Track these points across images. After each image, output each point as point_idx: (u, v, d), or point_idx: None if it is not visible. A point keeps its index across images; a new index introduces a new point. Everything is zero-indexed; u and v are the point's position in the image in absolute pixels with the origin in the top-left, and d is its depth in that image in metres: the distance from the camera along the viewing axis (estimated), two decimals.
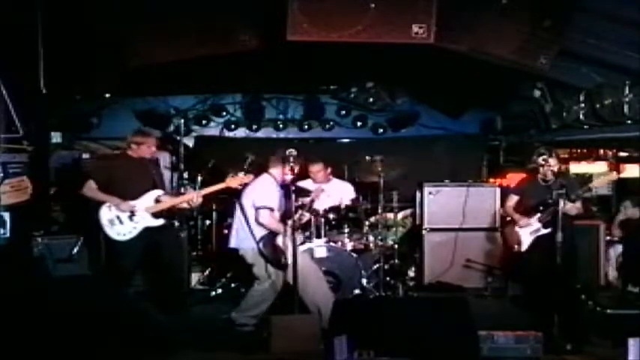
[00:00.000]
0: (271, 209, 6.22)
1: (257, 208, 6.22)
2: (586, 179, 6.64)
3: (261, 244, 6.20)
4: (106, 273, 6.85)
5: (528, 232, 6.55)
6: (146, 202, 6.52)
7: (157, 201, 6.57)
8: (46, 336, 4.95)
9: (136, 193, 6.50)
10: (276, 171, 6.35)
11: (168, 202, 6.60)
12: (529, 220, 6.52)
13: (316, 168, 7.74)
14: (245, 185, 6.40)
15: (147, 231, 6.49)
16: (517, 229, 6.65)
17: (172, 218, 7.06)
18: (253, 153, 7.84)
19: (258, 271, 6.30)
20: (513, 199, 6.86)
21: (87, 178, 6.65)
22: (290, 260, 6.13)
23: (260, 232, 6.21)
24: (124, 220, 6.45)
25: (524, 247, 6.56)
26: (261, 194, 6.26)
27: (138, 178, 6.57)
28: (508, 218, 7.06)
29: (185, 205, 6.92)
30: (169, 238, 6.81)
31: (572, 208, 6.27)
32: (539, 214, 6.44)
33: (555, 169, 6.51)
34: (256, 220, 6.22)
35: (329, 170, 7.85)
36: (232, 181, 6.46)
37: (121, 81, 8.09)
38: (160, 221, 6.55)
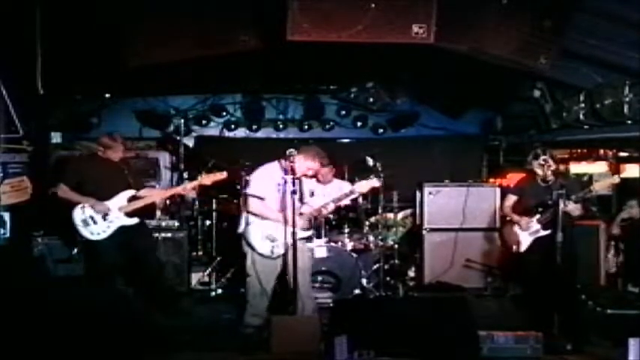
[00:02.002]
0: (261, 198, 6.18)
1: (245, 195, 6.26)
2: (587, 182, 6.61)
3: (246, 231, 6.21)
4: (87, 273, 6.87)
5: (527, 232, 6.53)
6: (119, 201, 6.57)
7: (130, 200, 6.61)
8: (46, 336, 4.95)
9: (109, 193, 6.55)
10: (289, 162, 6.23)
11: (140, 201, 6.65)
12: (530, 220, 6.50)
13: (327, 168, 7.79)
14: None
15: (122, 230, 6.54)
16: (516, 229, 6.64)
17: (148, 218, 7.20)
18: (250, 158, 7.89)
19: (247, 259, 6.28)
20: (511, 200, 6.83)
21: (58, 180, 6.67)
22: (282, 250, 6.12)
23: (249, 220, 6.21)
24: (98, 220, 6.50)
25: (524, 247, 6.53)
26: (254, 182, 6.27)
27: (110, 179, 6.62)
28: (508, 218, 7.05)
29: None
30: (146, 237, 6.88)
31: (574, 209, 6.24)
32: (538, 215, 6.42)
33: (553, 168, 6.47)
34: (244, 207, 6.26)
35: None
36: (205, 179, 6.48)
37: (121, 81, 8.11)
38: (135, 220, 6.61)
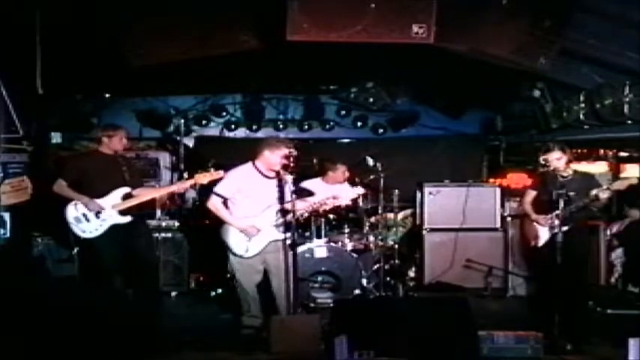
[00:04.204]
0: (223, 197, 6.18)
1: (210, 192, 6.24)
2: (606, 180, 6.56)
3: (222, 230, 6.22)
4: (83, 272, 6.85)
5: (546, 228, 6.49)
6: (113, 199, 6.49)
7: (125, 198, 6.54)
8: (45, 336, 4.95)
9: (104, 190, 6.49)
10: (261, 162, 6.20)
11: (134, 199, 6.58)
12: (547, 217, 6.45)
13: (343, 169, 7.82)
14: None
15: (115, 229, 6.47)
16: (535, 224, 6.61)
17: (148, 217, 7.24)
18: (250, 158, 7.87)
19: (229, 259, 6.29)
20: (531, 195, 6.78)
21: (58, 176, 6.64)
22: (257, 250, 6.11)
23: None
24: (91, 218, 6.44)
25: (541, 242, 6.48)
26: (223, 181, 6.22)
27: (107, 175, 6.54)
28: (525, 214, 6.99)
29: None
30: (140, 236, 6.76)
31: (600, 191, 6.17)
32: (558, 211, 6.33)
33: (563, 162, 6.39)
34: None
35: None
36: (201, 178, 6.44)
37: (121, 81, 8.12)
38: (127, 218, 6.52)
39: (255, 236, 6.11)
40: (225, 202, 6.25)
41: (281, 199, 6.12)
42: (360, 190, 6.88)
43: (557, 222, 6.29)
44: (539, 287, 7.10)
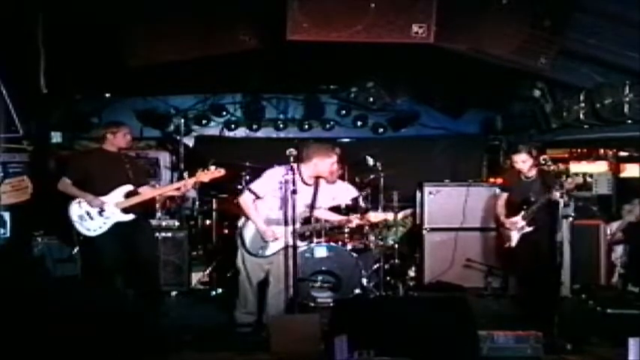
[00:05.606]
0: (257, 196, 6.15)
1: (245, 188, 6.25)
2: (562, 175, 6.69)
3: (240, 225, 6.22)
4: (85, 270, 6.84)
5: (515, 230, 6.64)
6: (116, 197, 6.50)
7: (128, 196, 6.55)
8: (46, 336, 4.95)
9: (107, 188, 6.50)
10: (307, 168, 6.13)
11: (137, 197, 6.58)
12: (513, 219, 6.60)
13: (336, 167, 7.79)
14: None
15: (118, 227, 6.48)
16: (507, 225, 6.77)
17: (149, 217, 7.23)
18: (251, 158, 7.89)
19: (238, 254, 6.28)
20: (503, 197, 6.97)
21: (62, 174, 6.64)
22: (270, 252, 6.13)
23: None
24: (94, 216, 6.45)
25: (513, 243, 6.69)
26: (261, 178, 6.23)
27: (110, 173, 6.56)
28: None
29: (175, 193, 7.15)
30: (143, 234, 6.76)
31: (551, 194, 6.31)
32: (523, 212, 6.52)
33: (528, 164, 6.56)
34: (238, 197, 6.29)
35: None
36: (203, 176, 6.44)
37: (122, 81, 8.12)
38: (130, 216, 6.53)
39: (271, 241, 6.13)
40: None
41: (312, 206, 6.15)
42: (390, 216, 6.86)
43: (522, 223, 6.45)
44: (519, 286, 7.23)
